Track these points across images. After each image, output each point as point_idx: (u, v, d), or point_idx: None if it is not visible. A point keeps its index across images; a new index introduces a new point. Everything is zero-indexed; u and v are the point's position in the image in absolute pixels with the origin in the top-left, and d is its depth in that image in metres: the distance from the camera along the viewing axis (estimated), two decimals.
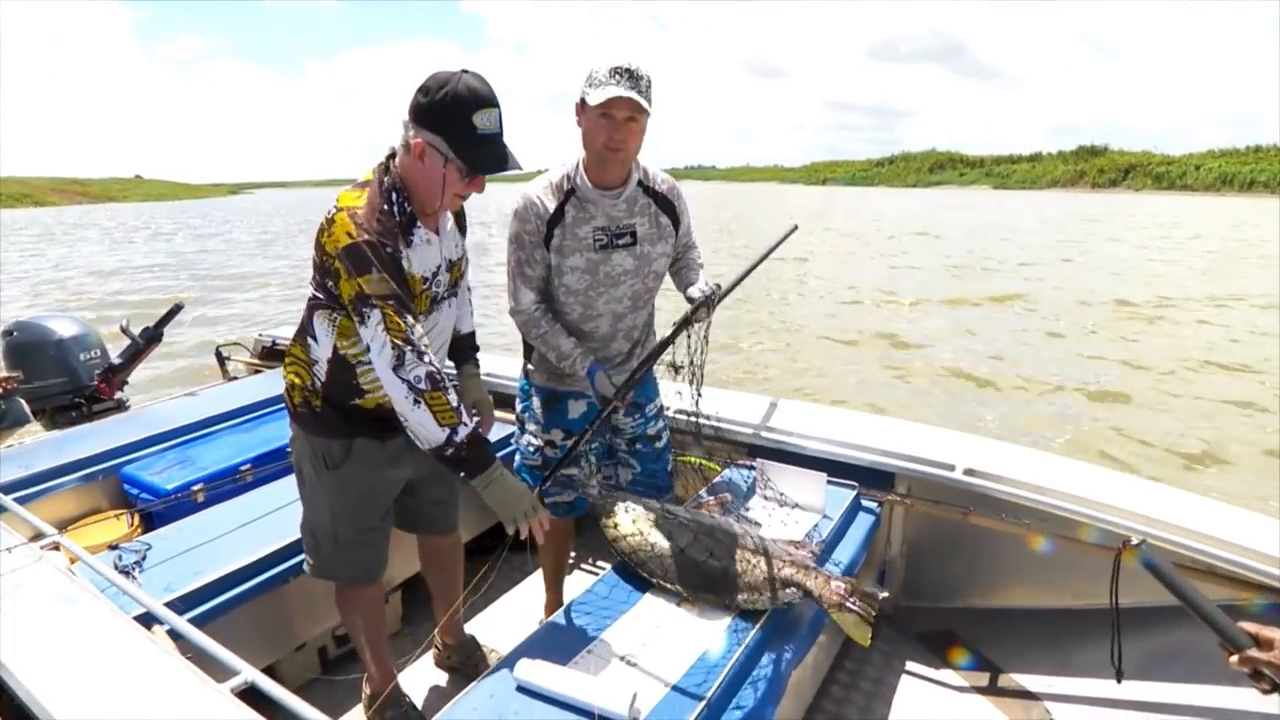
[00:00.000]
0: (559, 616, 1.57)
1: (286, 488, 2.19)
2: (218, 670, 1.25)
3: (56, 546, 1.68)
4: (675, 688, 1.33)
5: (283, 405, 2.87)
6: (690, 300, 1.81)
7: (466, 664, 2.06)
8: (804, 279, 13.76)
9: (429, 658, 2.15)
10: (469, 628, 2.13)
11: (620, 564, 1.72)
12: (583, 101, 1.64)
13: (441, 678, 2.10)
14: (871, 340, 8.78)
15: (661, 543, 1.64)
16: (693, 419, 1.97)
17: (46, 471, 2.29)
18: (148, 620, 1.45)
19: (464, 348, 1.81)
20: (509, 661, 1.39)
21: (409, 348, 1.36)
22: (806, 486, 1.96)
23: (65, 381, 2.98)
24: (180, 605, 1.63)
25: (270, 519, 2.04)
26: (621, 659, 1.41)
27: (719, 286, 1.81)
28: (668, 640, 1.47)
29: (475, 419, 1.48)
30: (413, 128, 1.40)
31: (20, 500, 1.99)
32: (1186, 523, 1.71)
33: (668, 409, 2.09)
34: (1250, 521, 1.72)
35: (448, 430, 1.38)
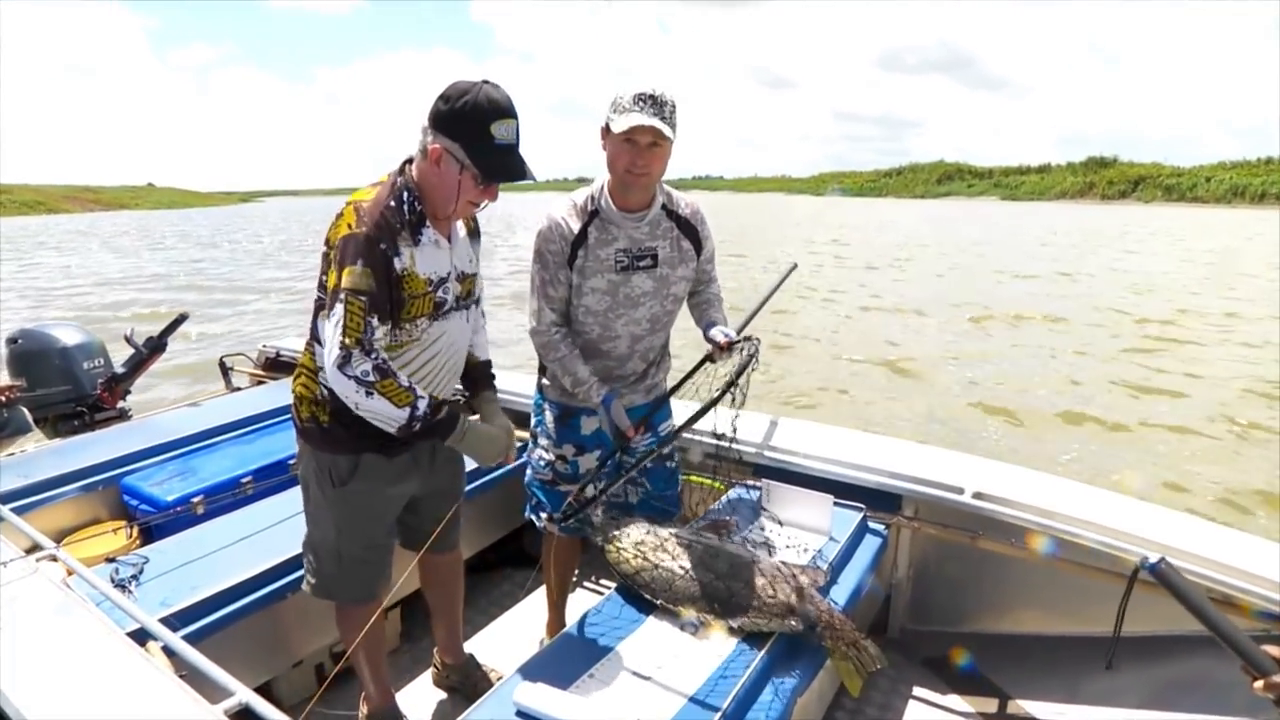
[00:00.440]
0: (561, 638, 1.55)
1: (287, 501, 2.19)
2: (212, 690, 1.22)
3: (53, 559, 1.66)
4: (679, 713, 1.31)
5: (286, 417, 2.88)
6: (711, 341, 1.84)
7: (465, 684, 2.03)
8: (810, 293, 13.67)
9: (428, 677, 2.12)
10: (468, 647, 2.10)
11: (623, 585, 1.69)
12: (607, 127, 1.66)
13: (440, 697, 2.07)
14: (878, 358, 8.66)
15: (666, 564, 1.62)
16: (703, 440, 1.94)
17: (46, 481, 2.28)
18: (142, 636, 1.43)
19: (481, 375, 1.79)
20: (509, 684, 1.37)
21: (358, 349, 1.37)
22: (813, 508, 1.94)
23: (68, 390, 2.97)
24: (176, 621, 1.61)
25: (270, 533, 2.02)
26: (624, 683, 1.39)
27: (754, 340, 1.80)
28: (672, 664, 1.44)
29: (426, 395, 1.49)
30: (431, 133, 1.42)
31: (18, 510, 1.97)
32: (1202, 550, 1.67)
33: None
34: (1267, 550, 1.68)
35: (408, 409, 1.42)
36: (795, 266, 2.22)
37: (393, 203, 1.44)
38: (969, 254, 22.11)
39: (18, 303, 13.27)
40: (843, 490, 2.04)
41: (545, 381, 1.97)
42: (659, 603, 1.61)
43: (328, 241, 1.44)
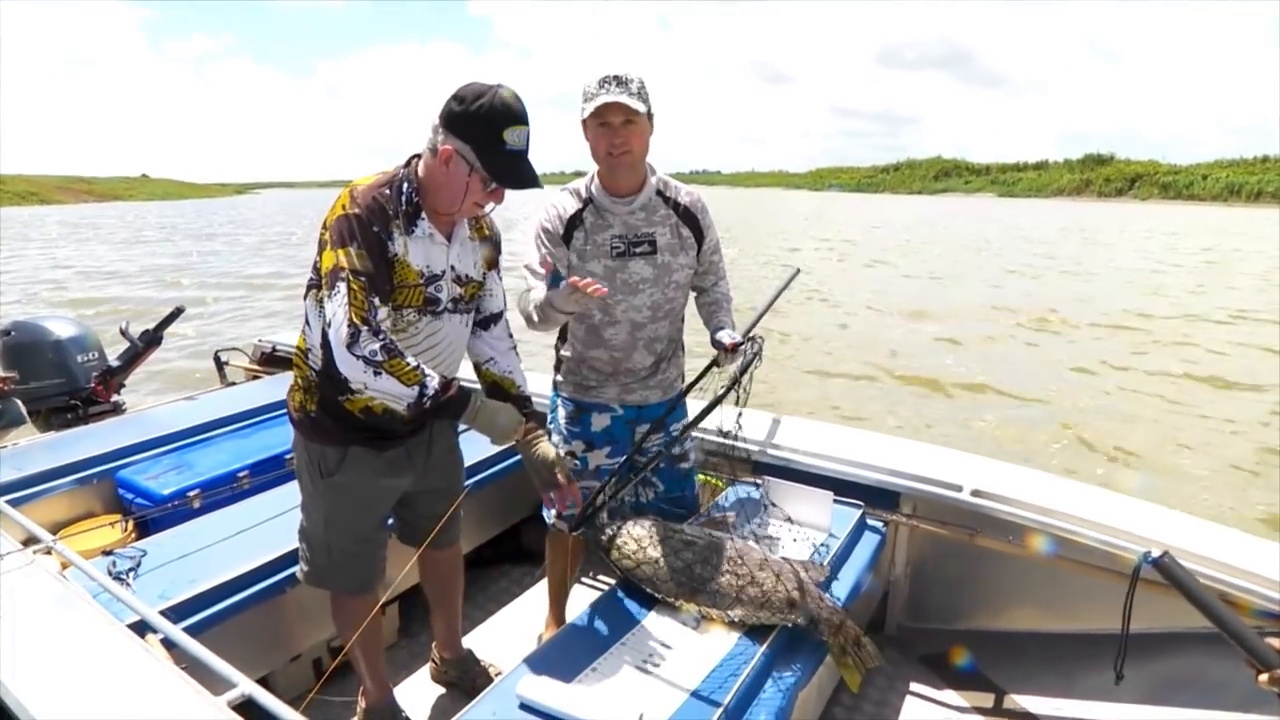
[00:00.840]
0: (563, 632, 1.55)
1: (284, 495, 2.18)
2: (213, 681, 1.22)
3: (49, 551, 1.65)
4: (683, 707, 1.31)
5: (281, 412, 2.87)
6: (717, 345, 1.84)
7: (464, 679, 2.02)
8: (810, 292, 13.48)
9: (425, 672, 2.12)
10: (466, 642, 2.10)
11: (625, 580, 1.70)
12: (583, 119, 1.69)
13: (438, 692, 2.07)
14: (882, 360, 8.53)
15: (667, 559, 1.62)
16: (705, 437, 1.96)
17: (40, 474, 2.26)
18: (141, 629, 1.42)
19: (520, 407, 1.69)
20: (512, 677, 1.37)
21: (365, 327, 1.37)
22: (813, 505, 1.94)
23: (62, 383, 2.95)
24: (175, 614, 1.59)
25: (267, 526, 2.01)
26: (627, 677, 1.39)
27: (758, 340, 1.82)
28: (674, 658, 1.44)
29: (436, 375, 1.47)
30: (443, 133, 1.42)
31: (12, 503, 1.96)
32: (1199, 548, 1.68)
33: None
34: (1266, 549, 1.69)
35: (417, 387, 1.41)
36: (798, 272, 2.22)
37: (387, 190, 1.44)
38: (985, 252, 21.98)
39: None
40: (841, 487, 2.04)
41: (559, 378, 1.98)
42: (660, 597, 1.61)
43: (324, 225, 1.44)
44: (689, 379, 2.04)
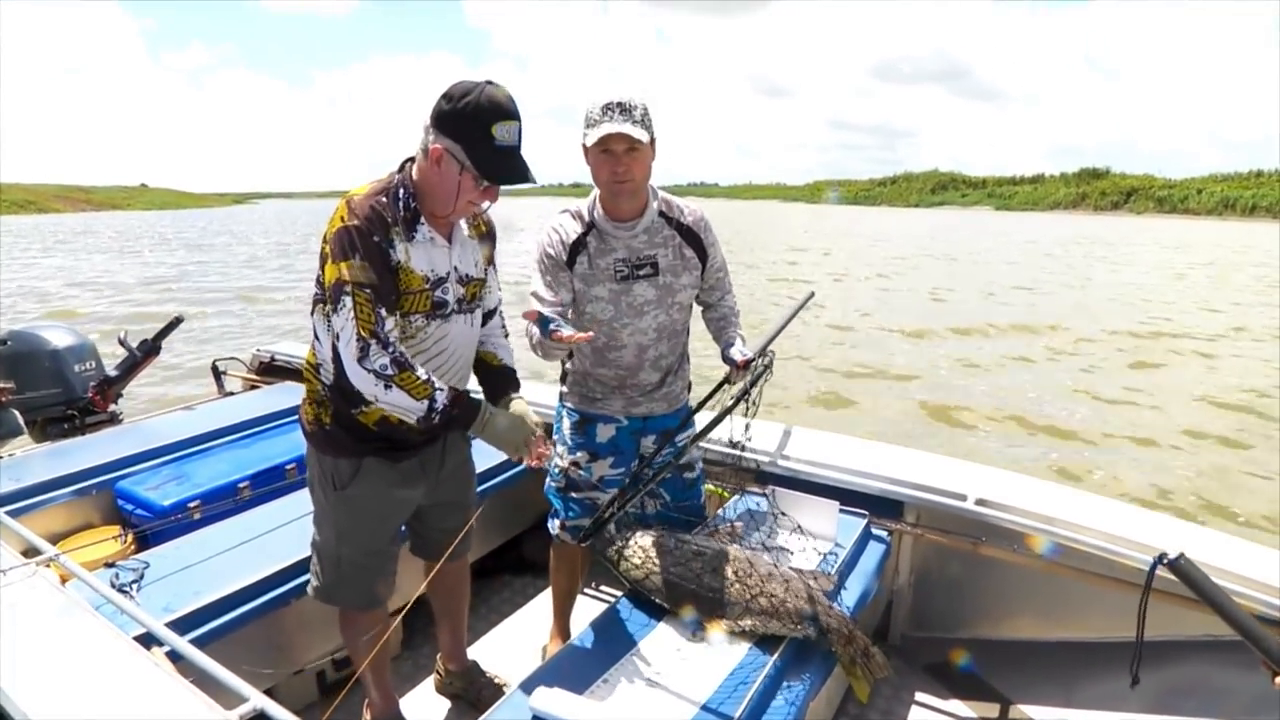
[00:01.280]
0: (572, 644, 1.54)
1: (285, 507, 2.17)
2: (221, 695, 1.21)
3: (50, 563, 1.64)
4: (696, 717, 1.31)
5: (281, 422, 2.86)
6: (728, 361, 1.84)
7: (469, 691, 2.01)
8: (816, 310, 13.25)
9: (430, 683, 2.10)
10: (470, 653, 2.08)
11: (633, 591, 1.69)
12: (585, 144, 1.67)
13: (443, 704, 2.05)
14: (887, 376, 8.34)
15: (675, 570, 1.62)
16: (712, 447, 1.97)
17: (38, 485, 2.24)
18: (147, 641, 1.41)
19: (504, 379, 1.73)
20: (524, 689, 1.36)
21: (374, 341, 1.37)
22: (819, 514, 1.94)
23: (59, 393, 2.92)
24: (179, 627, 1.58)
25: (270, 538, 1.99)
26: (638, 688, 1.39)
27: (769, 354, 1.83)
28: (684, 669, 1.44)
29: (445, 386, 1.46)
30: (433, 133, 1.41)
31: (11, 514, 1.94)
32: (1202, 555, 1.67)
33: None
34: (1268, 556, 1.70)
35: (426, 400, 1.41)
36: (813, 295, 2.22)
37: (384, 198, 1.43)
38: (1017, 264, 21.57)
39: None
40: (845, 496, 2.05)
41: (564, 389, 1.97)
42: (669, 608, 1.61)
43: (324, 238, 1.44)
44: (694, 386, 2.03)
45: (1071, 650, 2.01)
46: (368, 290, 1.37)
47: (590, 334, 1.51)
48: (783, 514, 1.96)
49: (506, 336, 1.79)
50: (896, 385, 8.00)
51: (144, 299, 14.08)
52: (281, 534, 2.00)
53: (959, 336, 10.79)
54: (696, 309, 1.96)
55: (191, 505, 2.21)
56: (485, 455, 1.88)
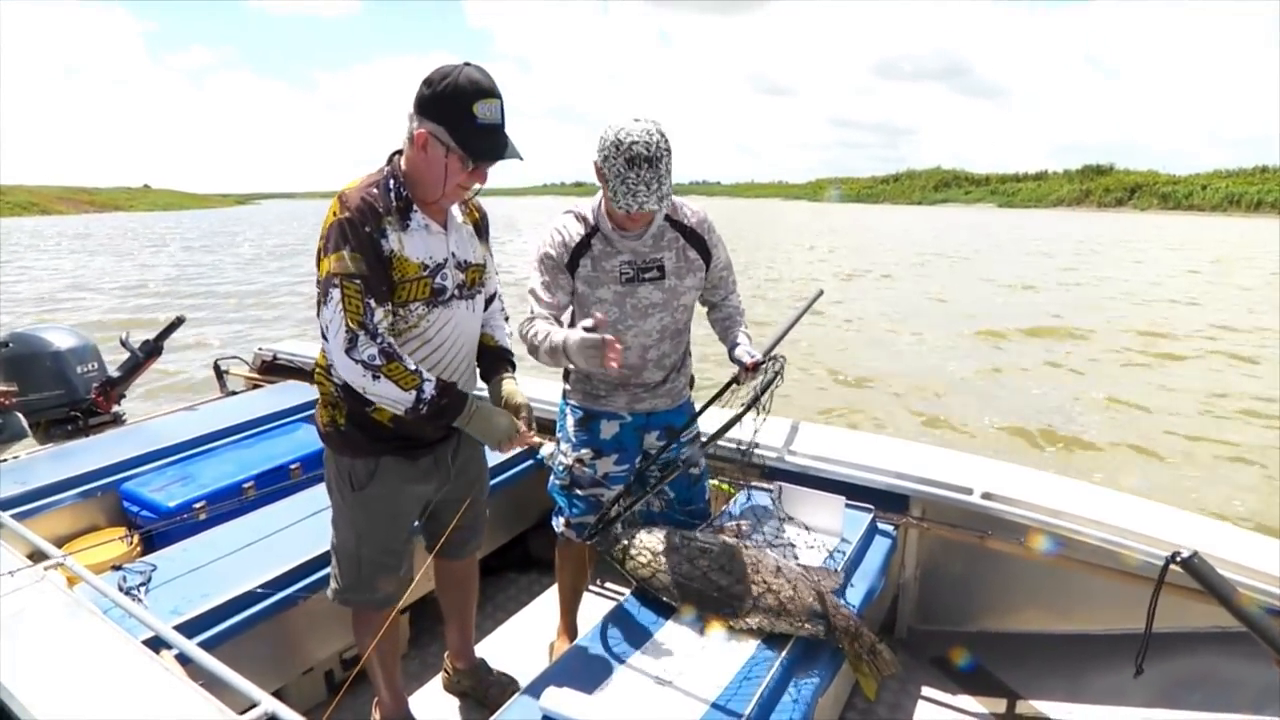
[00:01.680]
0: (580, 643, 1.54)
1: (291, 507, 2.17)
2: (231, 697, 1.21)
3: (57, 567, 1.63)
4: (704, 717, 1.31)
5: (285, 421, 2.86)
6: (736, 362, 1.83)
7: (477, 689, 2.01)
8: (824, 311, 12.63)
9: (438, 682, 2.10)
10: (477, 651, 2.09)
11: (640, 589, 1.69)
12: (601, 173, 1.63)
13: (451, 702, 2.05)
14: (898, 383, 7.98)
15: (682, 568, 1.62)
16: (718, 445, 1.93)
17: (43, 488, 2.24)
18: (156, 645, 1.41)
19: (498, 358, 1.74)
20: (534, 689, 1.36)
21: (362, 332, 1.38)
22: (825, 510, 1.94)
23: (61, 394, 2.93)
24: (188, 629, 1.58)
25: (277, 538, 1.99)
26: (648, 687, 1.38)
27: (779, 358, 1.81)
28: (693, 667, 1.44)
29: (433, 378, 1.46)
30: (417, 119, 1.41)
31: (17, 517, 1.94)
32: (1209, 548, 1.67)
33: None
34: (1272, 547, 1.69)
35: (414, 391, 1.41)
36: (821, 293, 2.21)
37: (375, 189, 1.44)
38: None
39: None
40: (851, 491, 2.05)
41: (568, 386, 1.97)
42: (676, 606, 1.61)
43: (321, 235, 1.45)
44: (697, 380, 2.02)
45: (1078, 643, 2.01)
46: (357, 281, 1.37)
47: (618, 362, 1.50)
48: (788, 510, 1.96)
49: (506, 319, 1.80)
50: (915, 397, 7.47)
51: (143, 302, 14.10)
52: (288, 534, 2.00)
53: (1004, 339, 10.22)
54: (699, 308, 1.96)
55: (197, 506, 2.21)
56: (491, 453, 1.88)
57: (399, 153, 1.49)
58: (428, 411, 1.43)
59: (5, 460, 2.48)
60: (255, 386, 3.44)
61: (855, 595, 1.73)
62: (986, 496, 1.96)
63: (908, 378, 8.17)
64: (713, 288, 1.92)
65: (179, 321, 3.32)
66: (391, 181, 1.46)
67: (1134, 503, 1.94)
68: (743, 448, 1.91)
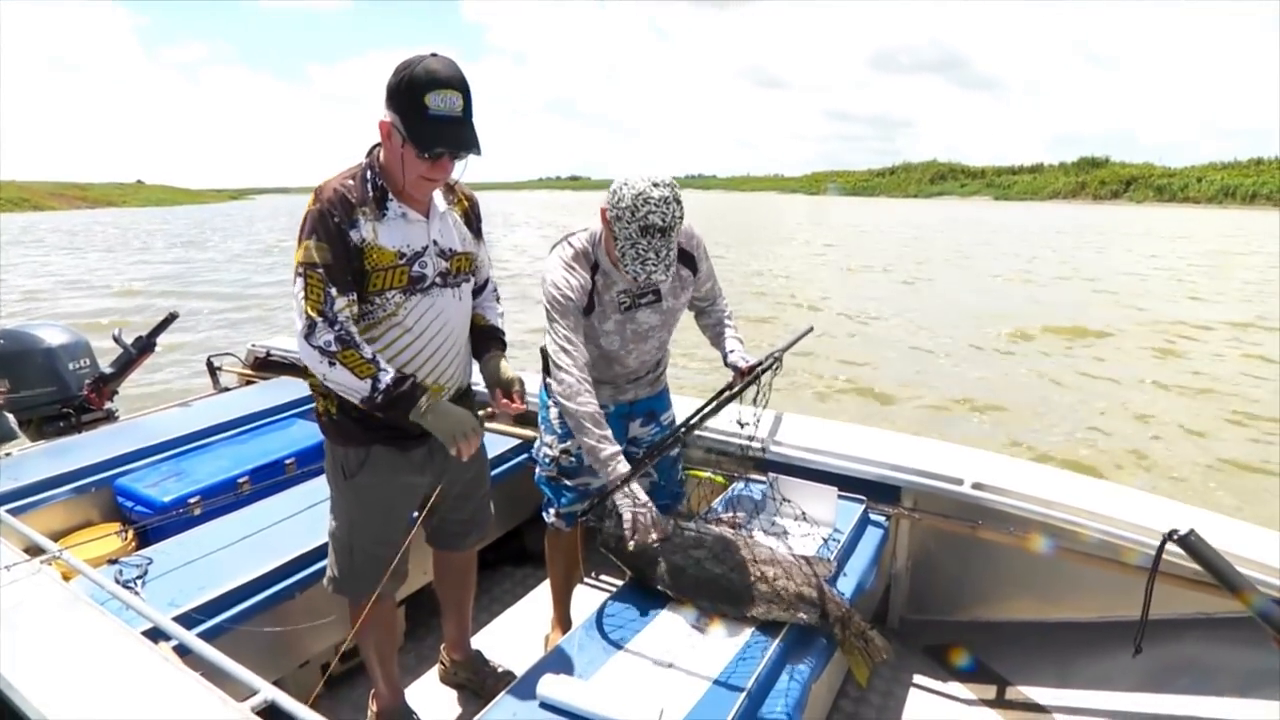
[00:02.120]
0: (576, 632, 1.55)
1: (287, 500, 2.18)
2: (231, 687, 1.22)
3: (53, 561, 1.64)
4: (701, 702, 1.32)
5: (279, 417, 2.86)
6: (732, 367, 1.88)
7: (474, 680, 2.02)
8: (819, 303, 12.30)
9: (434, 674, 2.11)
10: (473, 644, 2.10)
11: (634, 579, 1.71)
12: (609, 220, 1.62)
13: (448, 694, 2.06)
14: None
15: (676, 557, 1.63)
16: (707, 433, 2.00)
17: (37, 484, 2.24)
18: (154, 636, 1.42)
19: (488, 337, 1.76)
20: (530, 678, 1.37)
21: (320, 319, 1.40)
22: (818, 500, 1.96)
23: (53, 391, 2.90)
24: (185, 621, 1.59)
25: (272, 532, 2.00)
26: (644, 674, 1.40)
27: (776, 356, 1.85)
28: (689, 655, 1.46)
29: (390, 370, 1.47)
30: (384, 109, 1.43)
31: (11, 513, 1.94)
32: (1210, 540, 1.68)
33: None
34: (1266, 537, 1.71)
35: (369, 380, 1.43)
36: (811, 329, 2.23)
37: (350, 180, 1.46)
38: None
39: None
40: (844, 482, 2.06)
41: (549, 380, 1.97)
42: (672, 595, 1.62)
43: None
44: (694, 380, 2.04)
45: (1068, 630, 2.04)
46: (319, 270, 1.40)
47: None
48: (783, 500, 1.97)
49: (499, 301, 1.82)
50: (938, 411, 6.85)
51: (135, 299, 14.01)
52: (283, 528, 2.01)
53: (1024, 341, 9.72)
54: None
55: (192, 501, 2.21)
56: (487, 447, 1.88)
57: (379, 145, 1.50)
58: (382, 401, 1.44)
59: None
60: (249, 383, 3.44)
61: (848, 584, 1.75)
62: (977, 487, 1.98)
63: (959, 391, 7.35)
64: (700, 296, 1.96)
65: (172, 317, 3.31)
66: (369, 173, 1.48)
67: (1124, 492, 1.97)
68: (738, 440, 1.93)
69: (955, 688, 2.06)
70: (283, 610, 1.82)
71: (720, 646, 1.48)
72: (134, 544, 2.15)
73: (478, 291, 1.74)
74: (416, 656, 2.22)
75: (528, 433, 2.07)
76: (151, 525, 2.17)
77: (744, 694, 1.34)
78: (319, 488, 2.22)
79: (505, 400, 1.66)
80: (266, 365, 3.49)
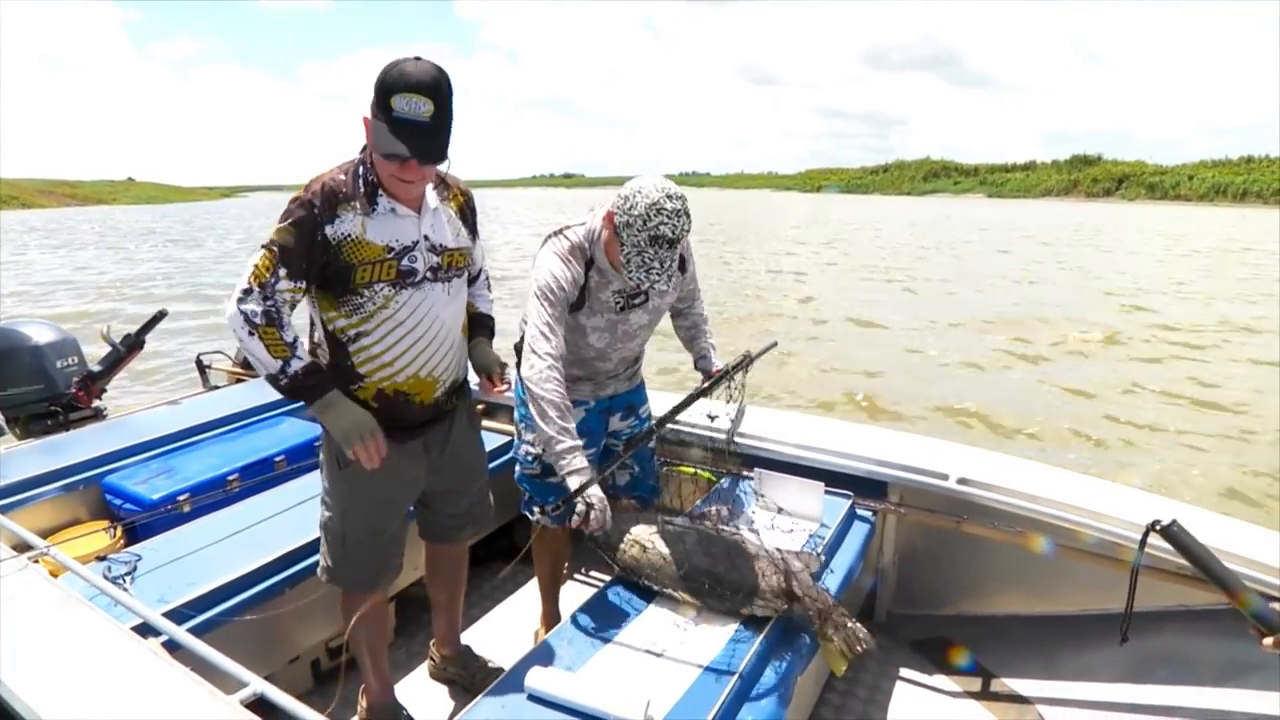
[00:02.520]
0: (565, 626, 1.57)
1: (276, 498, 2.18)
2: (220, 682, 1.22)
3: (41, 558, 1.64)
4: (687, 694, 1.34)
5: (268, 415, 2.85)
6: (703, 372, 1.91)
7: (464, 675, 2.03)
8: (808, 303, 11.88)
9: (423, 670, 2.12)
10: (463, 639, 2.11)
11: (622, 575, 1.72)
12: (616, 225, 1.62)
13: (438, 689, 2.07)
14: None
15: (663, 552, 1.64)
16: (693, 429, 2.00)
17: (24, 481, 2.23)
18: (143, 632, 1.42)
19: (477, 324, 1.80)
20: (519, 670, 1.38)
21: (259, 289, 1.42)
22: (804, 496, 1.97)
23: (41, 389, 2.88)
24: (174, 617, 1.59)
25: (262, 529, 2.00)
26: (631, 667, 1.42)
27: (748, 354, 1.88)
28: (675, 648, 1.47)
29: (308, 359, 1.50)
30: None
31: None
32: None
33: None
34: (1255, 535, 1.73)
35: (281, 362, 1.45)
36: (775, 344, 2.24)
37: (342, 175, 1.48)
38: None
39: None
40: (830, 478, 2.08)
41: (520, 365, 1.98)
42: (658, 589, 1.64)
43: None
44: (677, 373, 2.05)
45: (1052, 624, 2.06)
46: (276, 249, 1.43)
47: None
48: (768, 496, 1.99)
49: (490, 289, 1.86)
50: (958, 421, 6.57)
51: (124, 298, 13.91)
52: (273, 525, 2.01)
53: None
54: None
55: (181, 498, 2.21)
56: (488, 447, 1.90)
57: None
58: (286, 385, 1.46)
59: None
60: (238, 381, 3.43)
61: (834, 579, 1.77)
62: (963, 482, 2.00)
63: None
64: (681, 296, 1.96)
65: (161, 315, 3.30)
66: (361, 168, 1.50)
67: (1108, 486, 1.99)
68: (721, 436, 1.94)
69: (942, 681, 2.08)
70: (272, 606, 1.82)
71: (706, 639, 1.50)
72: (122, 541, 2.15)
73: (470, 282, 1.76)
74: (407, 653, 2.22)
75: (501, 389, 2.05)
76: (140, 522, 2.17)
77: (730, 686, 1.35)
78: (308, 485, 2.22)
79: (487, 381, 1.72)
80: None
